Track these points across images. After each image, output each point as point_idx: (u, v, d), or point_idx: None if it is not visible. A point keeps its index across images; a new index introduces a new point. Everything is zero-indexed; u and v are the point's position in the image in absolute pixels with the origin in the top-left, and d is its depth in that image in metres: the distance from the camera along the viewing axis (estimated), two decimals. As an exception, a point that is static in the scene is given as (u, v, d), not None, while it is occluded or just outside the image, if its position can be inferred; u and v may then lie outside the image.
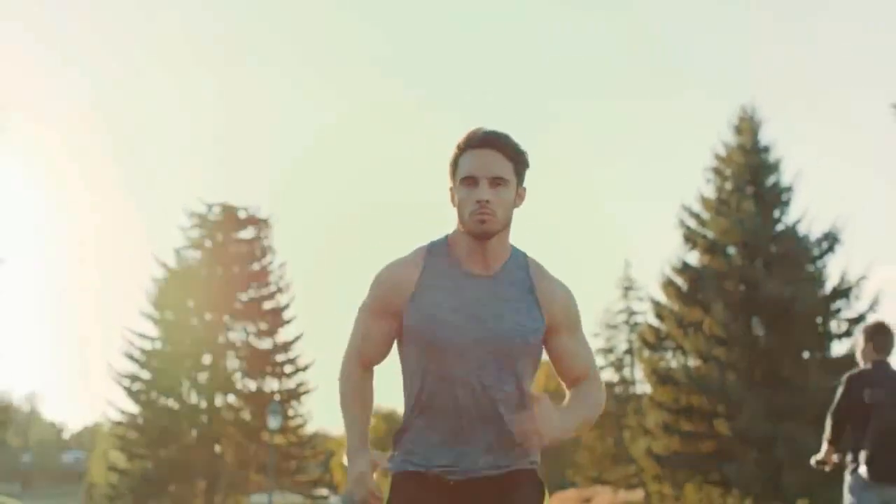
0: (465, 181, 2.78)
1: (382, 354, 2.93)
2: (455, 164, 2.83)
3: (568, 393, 2.90)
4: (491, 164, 2.76)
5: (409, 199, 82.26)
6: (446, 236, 2.88)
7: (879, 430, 5.70)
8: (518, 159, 2.81)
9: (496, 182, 2.76)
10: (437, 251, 2.86)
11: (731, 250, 27.00)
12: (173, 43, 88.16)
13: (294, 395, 34.31)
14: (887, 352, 6.02)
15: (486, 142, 2.78)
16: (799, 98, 72.17)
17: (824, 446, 6.13)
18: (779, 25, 71.64)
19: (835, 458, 6.12)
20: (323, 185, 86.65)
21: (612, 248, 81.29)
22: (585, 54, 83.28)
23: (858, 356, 6.16)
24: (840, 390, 6.01)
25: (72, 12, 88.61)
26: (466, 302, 2.78)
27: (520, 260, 2.87)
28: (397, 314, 2.83)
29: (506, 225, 2.81)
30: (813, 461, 6.26)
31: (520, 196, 2.85)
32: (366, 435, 2.91)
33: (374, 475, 2.85)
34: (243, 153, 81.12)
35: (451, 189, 2.85)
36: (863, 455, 5.79)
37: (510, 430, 2.78)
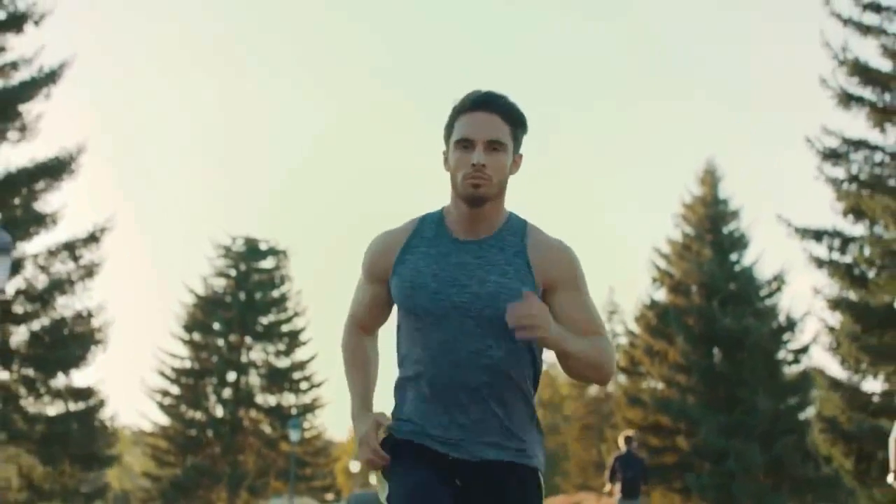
0: (459, 144, 2.71)
1: (376, 319, 2.97)
2: (450, 127, 2.77)
3: None
4: (487, 127, 2.69)
5: (418, 212, 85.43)
6: (443, 207, 2.86)
7: (622, 479, 13.62)
8: (516, 122, 2.75)
9: (492, 146, 2.69)
10: (429, 219, 2.85)
11: (693, 289, 31.94)
12: (172, 46, 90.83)
13: (309, 408, 39.11)
14: (630, 446, 13.90)
15: (483, 104, 2.72)
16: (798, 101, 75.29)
17: (608, 485, 13.88)
18: (779, 26, 74.64)
19: (614, 489, 13.93)
20: (327, 202, 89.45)
21: (611, 251, 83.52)
22: (585, 61, 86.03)
23: (621, 446, 14.08)
24: (610, 462, 13.87)
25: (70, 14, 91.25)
26: (449, 267, 2.74)
27: (516, 226, 2.80)
28: (384, 281, 2.85)
29: (500, 191, 2.74)
30: (605, 490, 14.04)
31: (516, 163, 2.78)
32: (368, 399, 2.93)
33: (379, 434, 2.82)
34: (244, 166, 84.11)
35: (444, 153, 2.79)
36: (618, 487, 13.70)
37: (500, 402, 2.74)
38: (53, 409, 19.51)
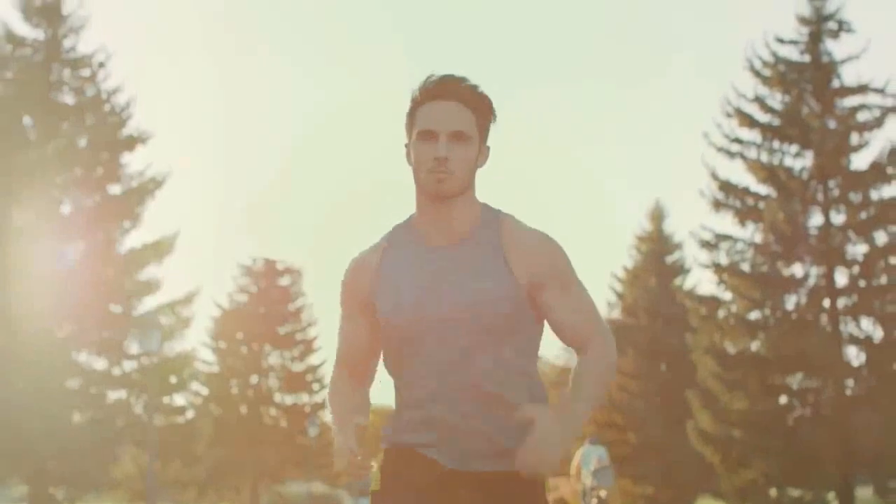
0: (421, 135, 2.70)
1: (367, 358, 2.93)
2: (411, 117, 2.75)
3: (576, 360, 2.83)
4: (450, 117, 2.69)
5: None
6: (410, 215, 2.84)
7: None
8: (481, 110, 2.74)
9: (456, 137, 2.68)
10: (400, 231, 2.84)
11: (641, 311, 40.44)
12: (174, 29, 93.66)
13: (321, 407, 46.86)
14: None
15: (445, 91, 2.71)
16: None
17: None
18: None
19: None
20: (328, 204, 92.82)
21: (601, 232, 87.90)
22: (576, 36, 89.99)
23: None
24: None
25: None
26: (428, 278, 2.74)
27: (491, 220, 2.79)
28: (367, 309, 2.84)
29: (467, 186, 2.74)
30: None
31: (483, 154, 2.77)
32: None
33: (357, 437, 2.72)
34: (243, 165, 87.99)
35: (406, 146, 2.78)
36: None
37: (492, 411, 2.72)
38: (161, 422, 28.46)
